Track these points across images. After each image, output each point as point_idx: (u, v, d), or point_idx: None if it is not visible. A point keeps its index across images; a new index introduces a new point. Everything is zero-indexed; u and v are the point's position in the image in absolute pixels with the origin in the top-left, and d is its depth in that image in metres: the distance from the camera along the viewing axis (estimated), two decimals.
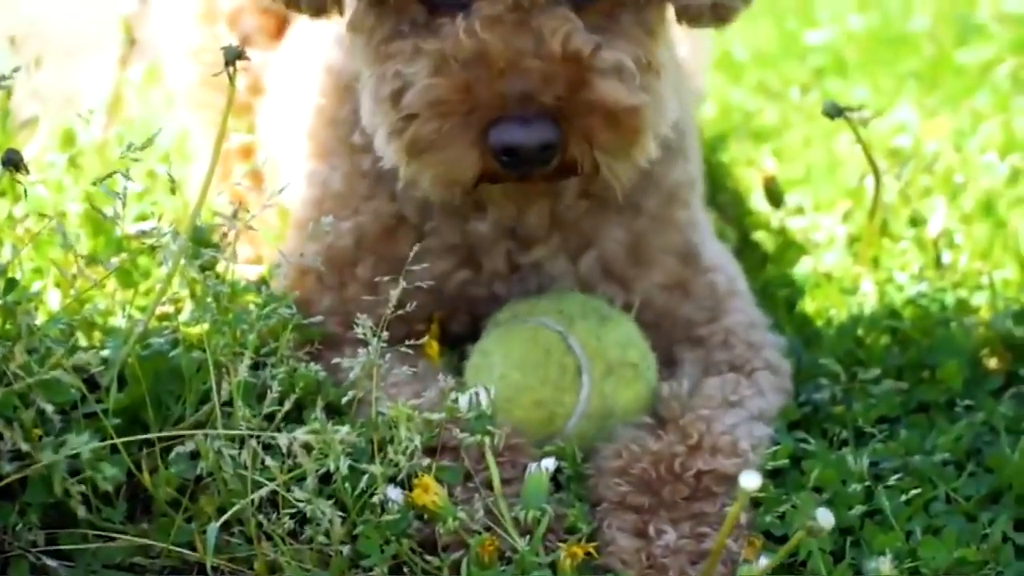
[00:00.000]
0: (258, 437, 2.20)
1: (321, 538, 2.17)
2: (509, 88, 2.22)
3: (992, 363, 2.80)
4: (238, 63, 2.23)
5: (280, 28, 3.27)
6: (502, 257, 2.62)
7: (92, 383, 2.30)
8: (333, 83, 2.68)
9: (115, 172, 2.28)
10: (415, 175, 2.33)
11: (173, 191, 2.40)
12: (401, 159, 2.32)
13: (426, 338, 2.53)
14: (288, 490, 2.17)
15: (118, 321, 2.65)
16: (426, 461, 2.23)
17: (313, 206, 2.67)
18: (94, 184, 2.31)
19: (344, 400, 2.31)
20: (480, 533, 2.19)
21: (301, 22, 3.12)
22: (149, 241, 2.34)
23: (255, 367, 2.32)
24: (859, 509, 2.34)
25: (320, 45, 2.78)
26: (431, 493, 2.19)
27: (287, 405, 2.25)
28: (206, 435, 2.21)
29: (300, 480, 2.17)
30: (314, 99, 2.73)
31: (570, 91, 2.23)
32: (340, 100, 2.66)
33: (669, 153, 2.62)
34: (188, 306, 2.61)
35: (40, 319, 2.48)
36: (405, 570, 2.20)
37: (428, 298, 2.46)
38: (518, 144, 2.22)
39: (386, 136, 2.34)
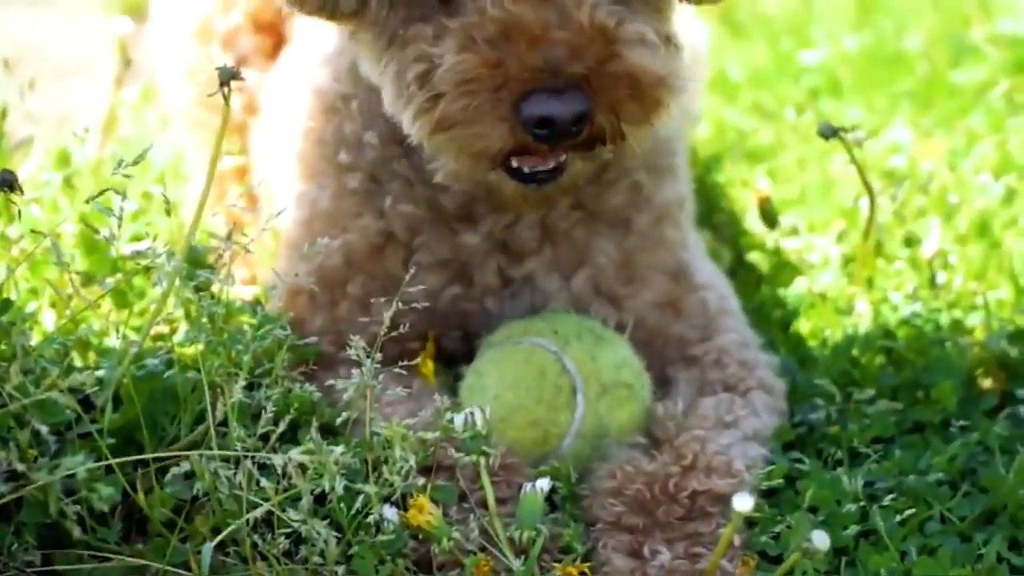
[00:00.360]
0: (253, 458, 2.20)
1: (316, 558, 2.17)
2: (539, 60, 2.21)
3: (987, 383, 2.80)
4: (233, 83, 2.24)
5: (276, 48, 3.27)
6: (493, 271, 2.62)
7: (87, 403, 2.30)
8: (320, 104, 2.68)
9: (108, 189, 2.28)
10: (440, 148, 2.33)
11: (168, 212, 2.40)
12: (425, 135, 2.31)
13: (421, 357, 2.53)
14: (283, 510, 2.16)
15: (113, 341, 2.65)
16: (421, 481, 2.24)
17: (303, 226, 2.67)
18: (87, 202, 2.31)
19: (339, 420, 2.31)
20: (475, 553, 2.19)
21: (295, 42, 3.13)
22: (144, 261, 2.34)
23: (250, 388, 2.32)
24: (854, 529, 2.34)
25: (309, 66, 2.78)
26: (426, 513, 2.19)
27: (282, 426, 2.25)
28: (201, 455, 2.21)
29: (295, 500, 2.17)
30: (302, 121, 2.73)
31: (598, 62, 2.24)
32: (326, 120, 2.67)
33: (659, 172, 2.63)
34: (183, 327, 2.61)
35: (35, 339, 2.48)
36: None
37: (420, 315, 2.46)
38: (553, 115, 2.21)
39: (412, 115, 2.32)
